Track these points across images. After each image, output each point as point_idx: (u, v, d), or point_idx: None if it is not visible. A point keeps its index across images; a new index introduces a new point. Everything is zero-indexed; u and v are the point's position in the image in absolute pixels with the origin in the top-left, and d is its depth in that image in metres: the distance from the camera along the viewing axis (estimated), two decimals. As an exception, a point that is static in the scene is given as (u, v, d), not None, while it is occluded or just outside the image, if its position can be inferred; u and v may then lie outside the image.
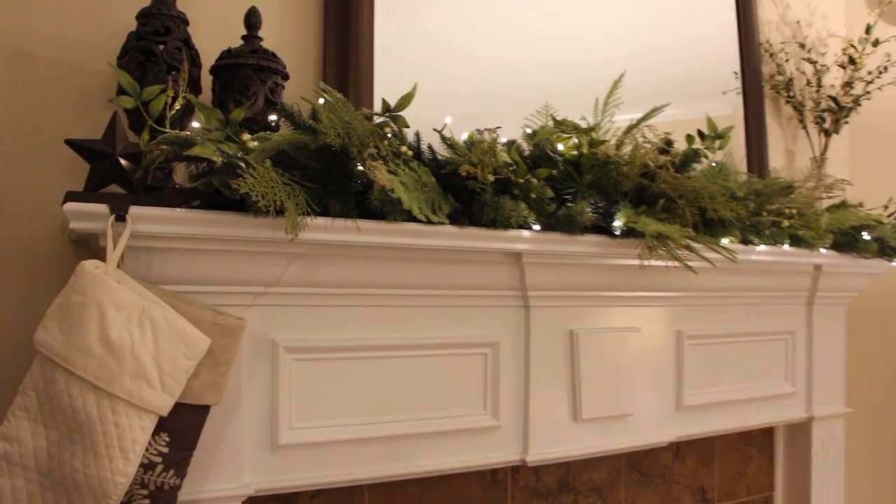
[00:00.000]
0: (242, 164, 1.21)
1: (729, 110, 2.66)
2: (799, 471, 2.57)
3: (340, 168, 1.39)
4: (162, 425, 1.22)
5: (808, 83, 2.76)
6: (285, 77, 1.56)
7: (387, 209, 1.39)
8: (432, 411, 1.65)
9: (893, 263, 2.40)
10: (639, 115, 1.83)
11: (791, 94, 2.74)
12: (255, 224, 1.32)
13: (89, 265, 1.17)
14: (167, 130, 1.28)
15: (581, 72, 2.25)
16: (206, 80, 1.56)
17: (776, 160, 2.76)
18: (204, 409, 1.29)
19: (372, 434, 1.57)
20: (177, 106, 1.33)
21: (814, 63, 2.77)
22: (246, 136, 1.31)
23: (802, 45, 2.81)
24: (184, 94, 1.33)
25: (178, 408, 1.23)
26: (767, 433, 2.55)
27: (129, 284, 1.20)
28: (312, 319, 1.52)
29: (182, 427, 1.26)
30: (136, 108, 1.32)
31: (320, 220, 1.35)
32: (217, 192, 1.22)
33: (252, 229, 1.32)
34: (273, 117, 1.46)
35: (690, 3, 2.65)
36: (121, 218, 1.21)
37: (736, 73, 2.70)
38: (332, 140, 1.33)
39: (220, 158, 1.20)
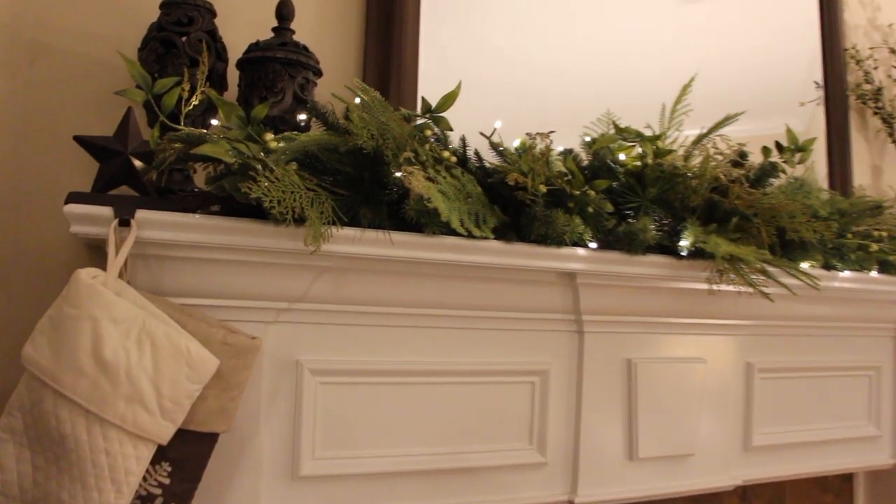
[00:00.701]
0: (259, 166, 1.08)
1: (802, 126, 2.45)
2: (880, 522, 2.34)
3: (374, 174, 1.25)
4: (163, 454, 1.10)
5: (901, 92, 2.54)
6: (318, 73, 1.43)
7: (424, 220, 1.25)
8: (472, 445, 1.50)
9: None
10: (705, 131, 1.66)
11: (879, 104, 2.52)
12: (276, 233, 1.19)
13: (85, 274, 1.05)
14: (181, 127, 1.16)
15: (645, 82, 2.08)
16: (234, 75, 1.44)
17: (861, 177, 2.54)
18: (211, 438, 1.16)
19: (403, 468, 1.43)
20: (194, 101, 1.21)
21: (908, 70, 2.55)
22: (269, 136, 1.19)
23: (894, 51, 2.59)
24: (202, 88, 1.20)
25: (182, 435, 1.11)
26: (846, 479, 2.34)
27: (131, 297, 1.08)
28: (341, 339, 1.38)
29: (186, 456, 1.13)
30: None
31: (348, 231, 1.22)
32: (231, 197, 1.09)
33: (272, 239, 1.20)
34: (302, 116, 1.33)
35: (767, 7, 2.46)
36: (125, 222, 1.09)
37: (817, 83, 2.50)
38: (365, 142, 1.20)
39: (234, 159, 1.07)
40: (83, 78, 1.45)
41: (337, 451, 1.38)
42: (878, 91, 2.54)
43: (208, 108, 1.30)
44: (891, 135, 2.56)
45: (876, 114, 2.56)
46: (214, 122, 1.24)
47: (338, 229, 1.19)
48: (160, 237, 1.15)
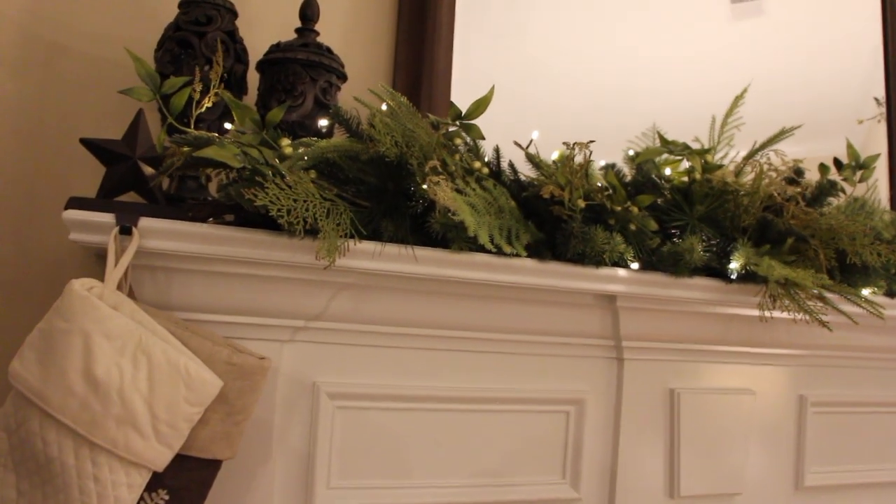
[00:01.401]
0: (269, 172, 0.99)
1: (858, 145, 2.32)
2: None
3: (397, 184, 1.16)
4: (160, 481, 1.02)
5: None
6: (342, 77, 1.35)
7: (451, 235, 1.16)
8: (499, 477, 1.40)
9: None
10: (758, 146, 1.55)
11: (946, 122, 2.37)
12: (290, 246, 1.10)
13: (79, 285, 0.97)
14: (189, 130, 1.08)
15: (694, 101, 1.97)
16: (255, 80, 1.37)
17: (926, 198, 2.39)
18: (213, 465, 1.07)
19: (425, 500, 1.34)
20: (207, 103, 1.13)
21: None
22: (285, 142, 1.10)
23: (960, 68, 2.44)
24: (215, 89, 1.12)
25: (181, 461, 1.02)
26: (904, 522, 2.17)
27: (129, 311, 1.00)
28: (361, 361, 1.29)
29: (185, 484, 1.04)
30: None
31: (367, 245, 1.13)
32: (239, 206, 1.00)
33: (286, 252, 1.11)
34: (324, 122, 1.25)
35: (824, 20, 2.34)
36: (127, 230, 1.02)
37: (877, 100, 2.36)
38: (388, 150, 1.11)
39: (241, 164, 0.98)
40: (98, 80, 1.39)
41: (354, 480, 1.29)
42: (945, 107, 2.39)
43: (225, 113, 1.22)
44: (956, 154, 2.41)
45: (941, 132, 2.41)
46: (228, 126, 1.15)
47: (355, 243, 1.10)
48: (166, 247, 1.07)
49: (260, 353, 1.15)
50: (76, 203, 1.04)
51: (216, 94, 1.15)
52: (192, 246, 1.07)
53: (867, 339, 1.78)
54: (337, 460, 1.28)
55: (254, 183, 1.00)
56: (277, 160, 1.07)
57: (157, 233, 1.05)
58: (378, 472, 1.31)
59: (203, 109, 1.15)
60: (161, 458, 0.99)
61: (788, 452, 1.74)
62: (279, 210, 0.97)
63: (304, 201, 1.02)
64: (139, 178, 1.13)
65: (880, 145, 2.37)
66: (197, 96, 1.12)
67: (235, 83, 1.29)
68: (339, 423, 1.28)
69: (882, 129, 2.38)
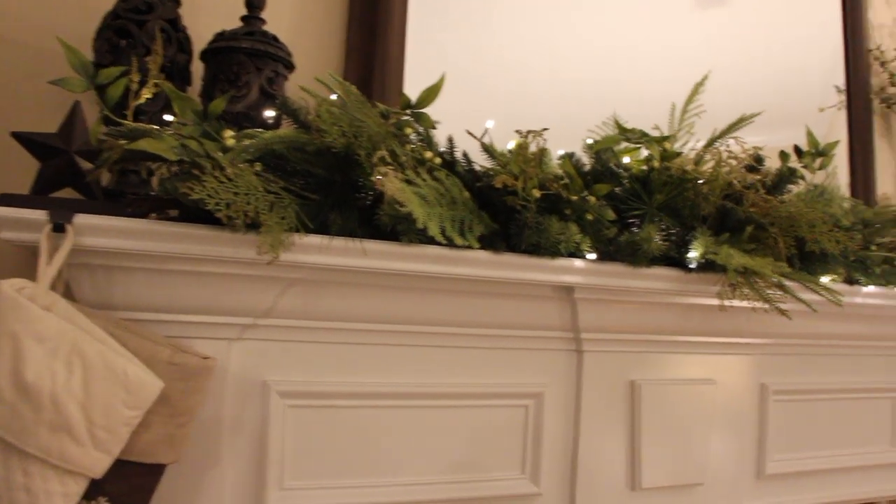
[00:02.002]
0: (209, 165, 0.95)
1: (820, 134, 2.32)
2: (904, 554, 2.19)
3: (346, 176, 1.13)
4: (100, 488, 0.98)
5: (930, 96, 2.40)
6: (289, 66, 1.31)
7: (401, 228, 1.12)
8: (457, 473, 1.37)
9: None
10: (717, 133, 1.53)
11: (905, 109, 2.38)
12: (234, 241, 1.06)
13: (8, 286, 0.92)
14: (126, 122, 1.03)
15: (657, 91, 1.94)
16: (199, 69, 1.32)
17: (885, 186, 2.40)
18: (156, 469, 1.03)
19: (382, 499, 1.31)
20: (146, 94, 1.08)
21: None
22: (228, 133, 1.06)
23: (919, 54, 2.45)
24: (154, 79, 1.08)
25: (122, 467, 0.98)
26: (865, 507, 2.19)
27: (63, 311, 0.95)
28: (313, 359, 1.26)
29: (126, 491, 1.00)
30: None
31: (314, 239, 1.09)
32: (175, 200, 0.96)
33: (229, 247, 1.07)
34: (270, 113, 1.21)
35: (786, 10, 2.33)
36: (60, 228, 0.97)
37: (838, 88, 2.37)
38: (335, 140, 1.07)
39: (177, 156, 0.94)
40: (34, 71, 1.33)
41: (308, 480, 1.26)
42: (904, 94, 2.40)
43: (168, 104, 1.18)
44: (916, 141, 2.43)
45: (901, 118, 2.43)
46: (169, 117, 1.11)
47: (301, 237, 1.06)
48: (103, 244, 1.02)
49: (206, 352, 1.11)
50: (6, 200, 0.99)
51: (156, 84, 1.10)
52: (130, 243, 1.03)
53: (827, 326, 1.78)
54: (290, 460, 1.24)
55: (192, 176, 0.96)
56: (220, 152, 1.03)
57: (93, 229, 1.01)
58: (333, 471, 1.27)
59: (143, 101, 1.10)
60: (99, 464, 0.94)
61: (750, 441, 1.74)
62: (217, 204, 0.93)
63: (246, 194, 0.98)
64: (75, 172, 1.08)
65: (842, 133, 2.37)
66: (135, 87, 1.08)
67: (178, 73, 1.24)
68: (291, 423, 1.24)
69: (843, 117, 2.39)
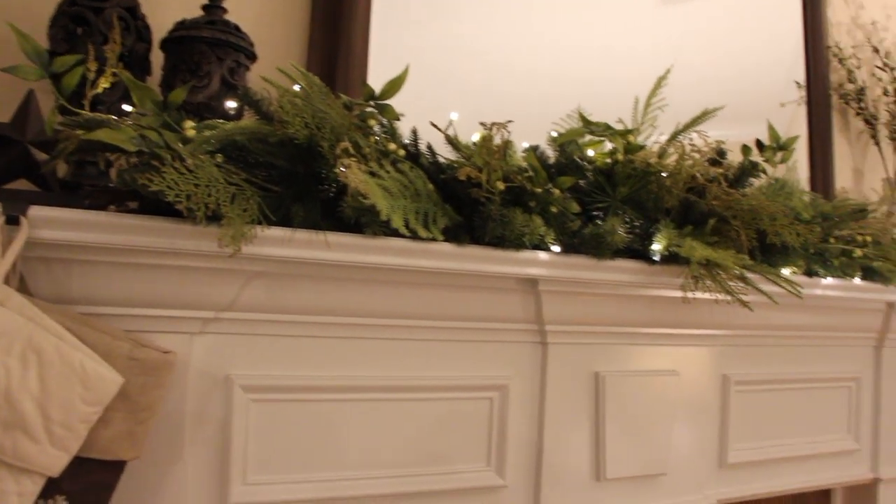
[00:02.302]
0: (168, 156, 0.94)
1: (781, 129, 2.35)
2: (860, 538, 2.24)
3: (309, 167, 1.12)
4: (57, 486, 0.96)
5: (885, 92, 2.43)
6: (251, 56, 1.29)
7: (365, 220, 1.11)
8: (423, 466, 1.37)
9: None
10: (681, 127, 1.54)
11: (862, 105, 2.42)
12: (195, 234, 1.05)
13: (-40, 280, 0.90)
14: (83, 112, 1.01)
15: (620, 86, 1.95)
16: (159, 58, 1.29)
17: (843, 180, 2.44)
18: (116, 466, 1.02)
19: (348, 493, 1.30)
20: (104, 83, 1.06)
21: (892, 70, 2.44)
22: (189, 124, 1.05)
23: (877, 50, 2.48)
24: (112, 68, 1.06)
25: (80, 464, 0.97)
26: (824, 495, 2.23)
27: (17, 306, 0.93)
28: (276, 352, 1.24)
29: (85, 488, 0.99)
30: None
31: (277, 232, 1.08)
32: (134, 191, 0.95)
33: (191, 240, 1.05)
34: (232, 103, 1.19)
35: (748, 6, 2.35)
36: (14, 220, 0.95)
37: (798, 83, 2.40)
38: (297, 131, 1.06)
39: (136, 147, 0.93)
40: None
41: (271, 475, 1.25)
42: (861, 91, 2.44)
43: (126, 94, 1.15)
44: (874, 136, 2.46)
45: (858, 114, 2.46)
46: (128, 107, 1.08)
47: (263, 229, 1.05)
48: (60, 237, 1.00)
49: (167, 346, 1.10)
50: (-42, 191, 0.97)
51: (114, 73, 1.08)
52: (88, 235, 1.01)
53: (787, 317, 1.81)
54: (254, 455, 1.23)
55: (152, 167, 0.94)
56: (180, 143, 1.02)
57: (49, 222, 0.98)
58: (298, 465, 1.26)
59: (100, 90, 1.08)
60: (56, 462, 0.93)
61: (712, 431, 1.76)
62: (177, 196, 0.91)
63: (207, 186, 0.96)
64: (30, 163, 1.06)
65: (802, 128, 2.40)
66: (92, 76, 1.05)
67: (138, 63, 1.22)
68: (254, 417, 1.23)
69: (803, 112, 2.42)
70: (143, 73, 1.25)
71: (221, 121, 1.12)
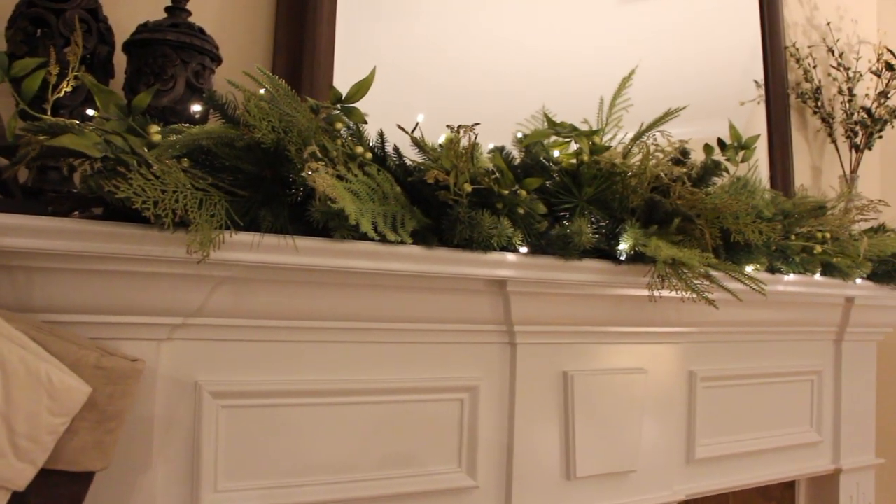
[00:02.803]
0: (134, 162, 0.93)
1: (741, 127, 2.38)
2: (823, 529, 2.28)
3: (276, 171, 1.11)
4: (23, 500, 0.94)
5: (840, 91, 2.48)
6: (216, 59, 1.28)
7: (333, 224, 1.11)
8: (395, 469, 1.37)
9: (938, 297, 2.11)
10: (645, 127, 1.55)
11: (819, 103, 2.46)
12: (162, 240, 1.03)
13: (-80, 291, 0.88)
14: (45, 116, 0.99)
15: (583, 85, 1.96)
16: (123, 62, 1.28)
17: (801, 178, 2.48)
18: (85, 477, 1.00)
19: (319, 497, 1.30)
20: (66, 87, 1.04)
21: (846, 69, 2.48)
22: (154, 128, 1.03)
23: (832, 51, 2.53)
24: (74, 71, 1.04)
25: (47, 477, 0.95)
26: (788, 487, 2.27)
27: (-21, 316, 0.91)
28: (246, 358, 1.24)
29: (52, 501, 0.97)
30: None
31: (244, 237, 1.07)
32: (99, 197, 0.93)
33: (158, 246, 1.04)
34: (197, 107, 1.18)
35: (707, 5, 2.38)
36: (-26, 228, 0.93)
37: (757, 82, 2.43)
38: (264, 135, 1.06)
39: (101, 153, 0.91)
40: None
41: (243, 481, 1.24)
42: (818, 90, 2.48)
43: (89, 98, 1.14)
44: (830, 135, 2.51)
45: (815, 113, 2.50)
46: (91, 112, 1.07)
47: (231, 234, 1.04)
48: (21, 245, 0.98)
49: (134, 354, 1.08)
50: (-83, 199, 0.95)
51: (76, 77, 1.06)
52: (52, 243, 0.99)
53: (751, 314, 1.83)
54: (224, 462, 1.22)
55: (117, 173, 0.93)
56: (145, 148, 1.00)
57: (10, 229, 0.96)
58: (270, 471, 1.26)
59: (62, 94, 1.06)
60: (22, 476, 0.91)
61: (680, 428, 1.78)
62: (144, 202, 0.90)
63: (174, 192, 0.95)
64: (-10, 169, 1.04)
65: (762, 126, 2.44)
66: (54, 80, 1.04)
67: (100, 66, 1.20)
68: (224, 423, 1.22)
69: (762, 111, 2.45)
70: (107, 76, 1.23)
71: (187, 125, 1.11)
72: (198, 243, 0.97)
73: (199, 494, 1.19)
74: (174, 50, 1.20)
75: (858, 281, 1.95)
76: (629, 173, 1.45)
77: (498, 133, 1.43)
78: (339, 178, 1.10)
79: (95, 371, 0.97)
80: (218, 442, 1.22)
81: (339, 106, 1.19)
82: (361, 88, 1.19)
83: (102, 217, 1.04)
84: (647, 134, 1.56)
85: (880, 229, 2.09)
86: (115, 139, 0.95)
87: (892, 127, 2.50)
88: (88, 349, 0.99)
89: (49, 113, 1.02)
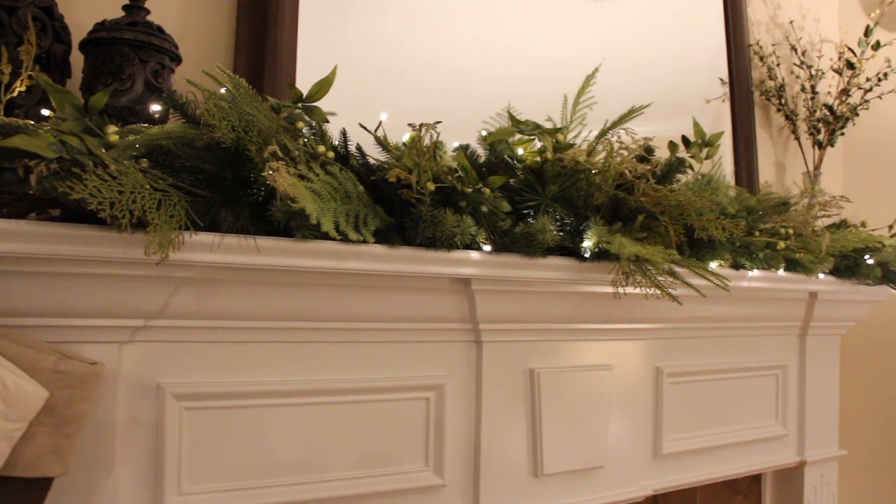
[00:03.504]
0: (90, 163, 0.91)
1: (706, 125, 2.40)
2: (789, 520, 2.31)
3: (237, 171, 1.10)
4: (-21, 507, 0.92)
5: (803, 89, 2.51)
6: (175, 59, 1.26)
7: (294, 224, 1.10)
8: (360, 469, 1.36)
9: (898, 291, 2.14)
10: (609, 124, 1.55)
11: (783, 101, 2.49)
12: (121, 241, 1.02)
13: None
14: (-3, 117, 0.98)
15: (549, 83, 1.97)
16: (79, 60, 1.26)
17: (766, 174, 2.51)
18: (42, 483, 0.99)
19: (285, 499, 1.29)
20: (20, 87, 1.03)
21: (809, 67, 2.51)
22: (111, 129, 1.02)
23: (794, 49, 2.56)
24: (28, 71, 1.02)
25: (3, 484, 0.94)
26: (754, 479, 2.30)
27: (-68, 320, 0.90)
28: (209, 359, 1.23)
29: (10, 508, 0.95)
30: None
31: (205, 237, 1.06)
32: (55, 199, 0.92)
33: (117, 248, 1.02)
34: (157, 107, 1.16)
35: (671, 4, 2.40)
36: (-73, 231, 0.91)
37: (722, 80, 2.45)
38: (224, 135, 1.05)
39: (55, 154, 0.90)
40: None
41: (207, 484, 1.23)
42: (781, 87, 2.51)
43: (45, 98, 1.12)
44: (794, 132, 2.53)
45: (779, 110, 2.53)
46: (47, 112, 1.05)
47: (191, 235, 1.03)
48: (-26, 248, 0.97)
49: (95, 357, 1.07)
50: None
51: (30, 76, 1.05)
52: (7, 245, 0.97)
53: (716, 309, 1.85)
54: (188, 465, 1.21)
55: (73, 174, 0.92)
56: (102, 149, 0.99)
57: (-36, 232, 0.95)
58: (234, 473, 1.25)
59: (16, 94, 1.04)
60: (-24, 481, 0.90)
61: (647, 423, 1.79)
62: (100, 203, 0.89)
63: (132, 192, 0.94)
64: (-57, 171, 1.02)
65: (727, 123, 2.46)
66: (6, 79, 1.02)
67: (56, 65, 1.18)
68: (188, 426, 1.21)
69: (727, 109, 2.47)
70: (63, 75, 1.22)
71: (146, 125, 1.09)
72: (157, 244, 0.96)
73: (163, 498, 1.19)
74: (132, 49, 1.18)
75: (821, 276, 1.97)
76: (593, 171, 1.45)
77: (465, 132, 1.43)
78: (301, 177, 1.09)
79: (53, 375, 0.96)
80: (182, 444, 1.21)
81: (300, 105, 1.18)
82: (323, 87, 1.18)
83: (60, 219, 1.02)
84: (611, 131, 1.56)
85: (842, 225, 2.11)
86: (71, 139, 0.94)
87: (854, 125, 2.54)
88: (46, 353, 0.97)
89: (2, 113, 1.00)
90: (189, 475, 1.21)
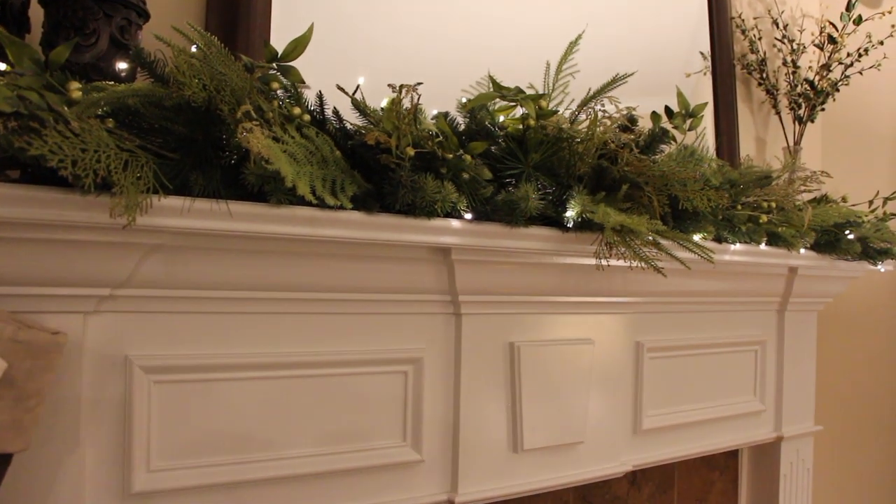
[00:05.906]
0: (51, 119, 0.86)
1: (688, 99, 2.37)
2: (765, 495, 2.32)
3: (208, 133, 1.05)
4: (-65, 483, 0.87)
5: (784, 63, 2.49)
6: (143, 14, 1.20)
7: (269, 188, 1.05)
8: (337, 444, 1.33)
9: (878, 267, 2.13)
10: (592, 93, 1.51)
11: (764, 75, 2.47)
12: (85, 204, 0.97)
13: None
14: (-49, 71, 0.92)
15: (526, 58, 1.92)
16: (38, 15, 1.19)
17: (746, 148, 2.49)
18: (2, 459, 0.94)
19: (259, 475, 1.25)
20: (-25, 41, 0.96)
21: (790, 42, 2.49)
22: (74, 85, 0.96)
23: (776, 23, 2.53)
24: (-16, 24, 0.96)
25: (-40, 458, 0.88)
26: (731, 455, 2.29)
27: None
28: (178, 330, 1.18)
29: (-33, 484, 0.91)
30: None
31: (174, 201, 1.01)
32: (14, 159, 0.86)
33: (81, 212, 0.97)
34: (123, 65, 1.11)
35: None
36: None
37: (703, 54, 2.42)
38: (195, 94, 0.99)
39: (13, 108, 0.84)
40: None
41: (178, 460, 1.19)
42: (763, 62, 2.48)
43: (1, 52, 1.06)
44: (774, 106, 2.51)
45: (760, 84, 2.51)
46: (2, 66, 0.99)
47: (160, 198, 0.98)
48: (-73, 211, 0.91)
49: (57, 327, 1.02)
50: None
51: (-15, 30, 0.98)
52: (-38, 208, 0.92)
53: (697, 283, 1.83)
54: (157, 440, 1.17)
55: (32, 130, 0.86)
56: (65, 106, 0.93)
57: (-85, 194, 0.89)
58: (206, 449, 1.21)
59: (-30, 49, 0.98)
60: (-69, 455, 0.85)
61: (627, 398, 1.77)
62: (61, 161, 0.84)
63: (96, 151, 0.89)
64: None
65: (708, 97, 2.43)
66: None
67: (13, 18, 1.12)
68: (157, 400, 1.17)
69: (708, 82, 2.45)
70: (21, 30, 1.15)
71: (111, 83, 1.04)
72: (123, 207, 0.91)
73: (132, 474, 1.14)
74: (96, 3, 1.11)
75: (802, 251, 1.95)
76: (577, 139, 1.41)
77: (445, 101, 1.39)
78: (276, 140, 1.04)
79: (12, 345, 0.91)
80: (150, 419, 1.16)
81: (275, 64, 1.13)
82: (299, 46, 1.13)
83: (19, 181, 0.97)
84: (594, 100, 1.53)
85: (822, 200, 2.10)
86: (31, 94, 0.88)
87: (834, 100, 2.52)
88: (4, 321, 0.92)
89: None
90: (158, 451, 1.17)
